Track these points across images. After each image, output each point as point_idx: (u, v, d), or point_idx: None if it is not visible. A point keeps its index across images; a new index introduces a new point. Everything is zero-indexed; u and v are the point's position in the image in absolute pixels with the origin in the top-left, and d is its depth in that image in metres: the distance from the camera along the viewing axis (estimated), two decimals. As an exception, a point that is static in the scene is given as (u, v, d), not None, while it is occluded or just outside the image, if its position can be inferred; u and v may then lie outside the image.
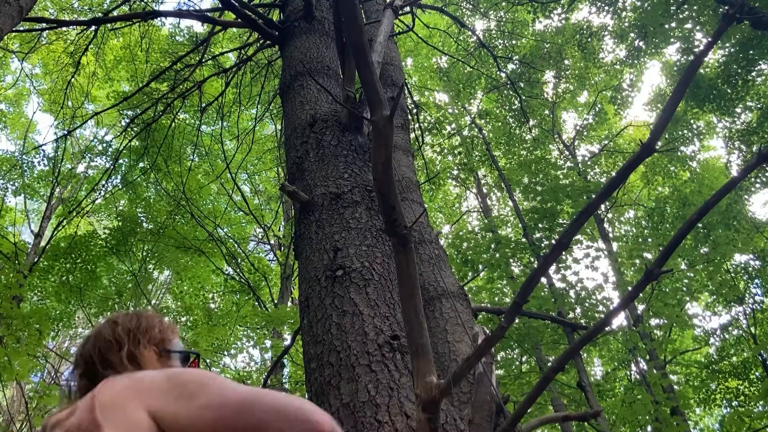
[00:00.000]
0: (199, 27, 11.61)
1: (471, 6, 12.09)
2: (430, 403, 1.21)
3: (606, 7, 10.82)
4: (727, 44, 9.90)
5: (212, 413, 0.95)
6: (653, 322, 8.26)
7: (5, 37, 4.06)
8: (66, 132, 8.25)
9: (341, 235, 2.65)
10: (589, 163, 12.28)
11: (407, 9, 6.78)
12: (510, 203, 13.27)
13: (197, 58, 7.28)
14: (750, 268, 11.19)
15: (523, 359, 9.24)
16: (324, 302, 2.54)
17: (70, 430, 1.00)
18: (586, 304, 7.49)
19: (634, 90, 13.08)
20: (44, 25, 6.20)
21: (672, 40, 10.07)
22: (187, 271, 12.92)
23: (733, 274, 10.96)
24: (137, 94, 7.79)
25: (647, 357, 9.07)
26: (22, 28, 5.83)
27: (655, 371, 8.27)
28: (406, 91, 6.59)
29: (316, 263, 2.68)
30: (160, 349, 1.22)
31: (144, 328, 1.22)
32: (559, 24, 12.33)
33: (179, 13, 5.15)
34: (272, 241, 13.99)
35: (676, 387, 10.28)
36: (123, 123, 10.32)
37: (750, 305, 11.32)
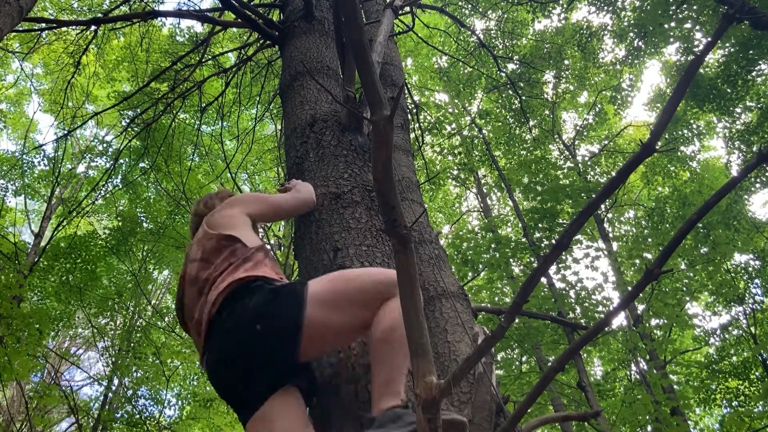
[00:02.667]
0: (199, 27, 11.62)
1: (471, 6, 12.09)
2: (430, 403, 1.21)
3: (605, 7, 10.82)
4: (727, 44, 9.90)
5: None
6: (653, 322, 8.25)
7: (5, 38, 4.06)
8: (66, 132, 8.24)
9: (341, 235, 2.65)
10: (589, 163, 12.28)
11: (407, 9, 6.78)
12: (510, 203, 13.28)
13: (197, 58, 7.27)
14: (750, 268, 11.19)
15: (523, 359, 9.25)
16: (324, 302, 2.53)
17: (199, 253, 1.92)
18: (586, 304, 7.49)
19: (634, 90, 13.09)
20: (44, 25, 6.20)
21: (671, 39, 10.07)
22: (188, 271, 12.90)
23: (733, 274, 10.96)
24: (137, 94, 7.78)
25: (647, 357, 9.07)
26: (21, 28, 5.83)
27: (655, 371, 8.28)
28: (406, 91, 6.59)
29: (316, 263, 2.67)
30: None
31: (212, 195, 2.29)
32: (558, 24, 12.33)
33: (179, 13, 5.15)
34: (272, 241, 13.99)
35: (676, 387, 10.28)
36: (123, 123, 10.32)
37: (750, 305, 11.32)
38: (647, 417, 6.89)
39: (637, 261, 8.10)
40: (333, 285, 1.74)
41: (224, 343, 1.68)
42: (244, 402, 1.66)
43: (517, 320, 6.79)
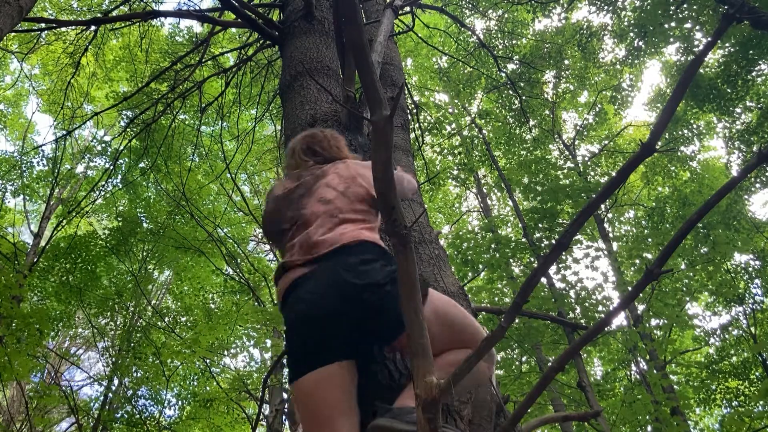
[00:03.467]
0: (198, 27, 11.62)
1: (471, 6, 12.09)
2: (430, 403, 1.21)
3: (605, 7, 10.82)
4: (727, 44, 9.91)
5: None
6: (653, 322, 8.25)
7: (5, 38, 4.06)
8: (65, 132, 8.24)
9: (341, 235, 2.65)
10: (589, 163, 12.28)
11: (407, 9, 6.78)
12: (510, 203, 13.28)
13: (197, 58, 7.27)
14: (750, 268, 11.18)
15: (523, 359, 9.24)
16: (324, 302, 2.53)
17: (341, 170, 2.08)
18: (586, 304, 7.49)
19: (634, 90, 13.09)
20: (43, 25, 6.19)
21: (671, 39, 10.07)
22: (187, 271, 12.91)
23: (733, 274, 10.96)
24: (137, 94, 7.78)
25: (647, 357, 9.07)
26: (21, 29, 5.83)
27: (655, 371, 8.28)
28: (406, 91, 6.59)
29: (316, 263, 2.67)
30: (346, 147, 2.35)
31: (336, 137, 2.34)
32: (559, 24, 12.33)
33: (179, 13, 5.15)
34: (272, 241, 13.94)
35: (676, 387, 10.28)
36: (122, 123, 10.32)
37: (750, 305, 11.31)
38: (647, 417, 6.89)
39: (637, 261, 8.11)
40: (446, 304, 1.80)
41: (350, 286, 1.66)
42: (319, 348, 1.62)
43: (517, 320, 6.79)
